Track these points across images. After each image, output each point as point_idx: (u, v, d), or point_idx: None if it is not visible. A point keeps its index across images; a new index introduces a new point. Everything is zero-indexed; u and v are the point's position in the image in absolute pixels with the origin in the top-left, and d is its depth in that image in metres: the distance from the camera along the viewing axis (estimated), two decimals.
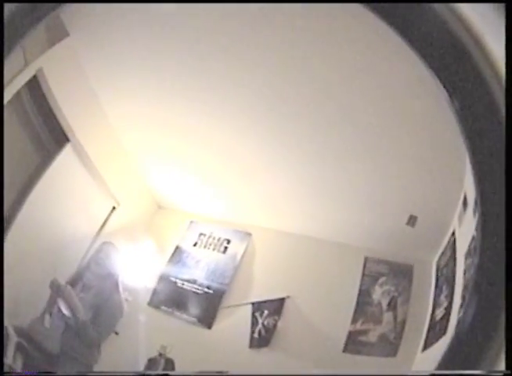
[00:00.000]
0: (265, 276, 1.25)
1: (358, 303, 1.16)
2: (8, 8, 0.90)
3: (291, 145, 1.20)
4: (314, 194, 1.23)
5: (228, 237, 1.27)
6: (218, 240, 1.27)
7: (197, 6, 1.10)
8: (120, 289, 1.21)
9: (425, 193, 1.16)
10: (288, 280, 1.22)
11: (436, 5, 0.81)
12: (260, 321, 1.21)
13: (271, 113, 1.18)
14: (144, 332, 1.22)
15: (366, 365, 1.16)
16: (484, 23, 0.78)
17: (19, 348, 1.11)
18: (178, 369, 1.17)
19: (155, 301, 1.24)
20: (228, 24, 1.11)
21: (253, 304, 1.23)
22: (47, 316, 1.19)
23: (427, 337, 1.08)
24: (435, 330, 1.05)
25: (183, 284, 1.25)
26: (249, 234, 1.26)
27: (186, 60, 1.18)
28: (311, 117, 1.16)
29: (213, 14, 1.10)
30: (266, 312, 1.21)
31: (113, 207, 1.30)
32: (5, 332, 1.08)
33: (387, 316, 1.16)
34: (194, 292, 1.24)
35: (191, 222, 1.29)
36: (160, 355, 1.18)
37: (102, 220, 1.28)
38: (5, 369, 1.03)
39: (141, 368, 1.18)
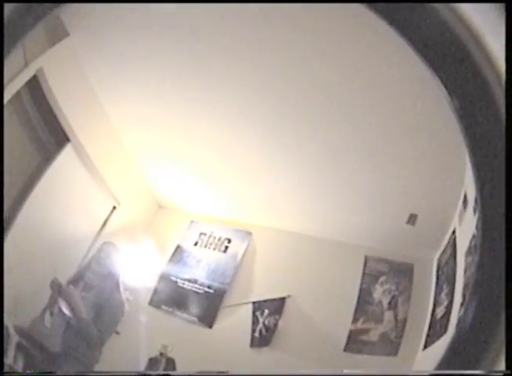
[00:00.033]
0: (265, 276, 1.25)
1: (358, 302, 1.16)
2: (7, 7, 0.90)
3: (291, 144, 1.20)
4: (314, 194, 1.23)
5: (228, 237, 1.27)
6: (219, 239, 1.27)
7: (197, 6, 1.10)
8: (121, 289, 1.21)
9: (425, 192, 1.16)
10: (289, 280, 1.23)
11: (436, 5, 0.81)
12: (261, 320, 1.21)
13: (271, 113, 1.18)
14: (145, 332, 1.22)
15: (367, 364, 1.16)
16: (485, 23, 0.78)
17: (19, 348, 1.11)
18: (179, 368, 1.17)
19: (156, 301, 1.24)
20: (228, 24, 1.11)
21: (254, 303, 1.23)
22: (47, 316, 1.19)
23: (427, 335, 1.08)
24: (436, 329, 1.05)
25: (184, 284, 1.25)
26: (249, 233, 1.26)
27: (186, 60, 1.18)
28: (312, 117, 1.16)
29: (213, 14, 1.10)
30: (267, 311, 1.21)
31: (114, 207, 1.30)
32: (5, 332, 1.08)
33: (388, 315, 1.16)
34: (195, 292, 1.24)
35: (192, 221, 1.29)
36: (161, 354, 1.18)
37: (103, 220, 1.28)
38: (6, 369, 1.03)
39: (142, 368, 1.18)
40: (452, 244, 1.08)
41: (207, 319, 1.23)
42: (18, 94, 1.16)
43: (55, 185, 1.25)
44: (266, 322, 1.21)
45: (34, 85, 1.19)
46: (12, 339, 1.10)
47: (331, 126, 1.16)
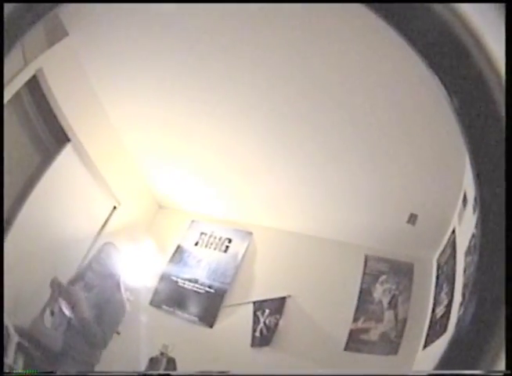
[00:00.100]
0: (266, 275, 1.25)
1: (359, 302, 1.16)
2: (7, 7, 0.90)
3: (292, 144, 1.20)
4: (314, 193, 1.23)
5: (229, 236, 1.27)
6: (220, 239, 1.27)
7: (197, 6, 1.10)
8: (122, 289, 1.21)
9: (425, 192, 1.16)
10: (289, 279, 1.23)
11: (436, 5, 0.81)
12: (261, 320, 1.21)
13: (271, 113, 1.18)
14: (146, 331, 1.22)
15: (367, 363, 1.16)
16: (485, 23, 0.78)
17: (19, 347, 1.11)
18: (180, 368, 1.17)
19: (156, 301, 1.24)
20: (228, 24, 1.11)
21: (254, 303, 1.23)
22: (47, 315, 1.19)
23: (427, 335, 1.08)
24: (436, 329, 1.05)
25: (184, 284, 1.25)
26: (250, 233, 1.26)
27: (186, 60, 1.18)
28: (312, 117, 1.16)
29: (213, 14, 1.10)
30: (267, 311, 1.22)
31: (114, 207, 1.30)
32: (5, 332, 1.08)
33: (388, 315, 1.16)
34: (195, 291, 1.24)
35: (192, 221, 1.29)
36: (162, 354, 1.18)
37: (103, 220, 1.28)
38: (6, 369, 1.03)
39: (143, 367, 1.18)
40: (452, 243, 1.08)
41: (208, 318, 1.23)
42: (18, 94, 1.16)
43: (56, 185, 1.25)
44: (267, 321, 1.21)
45: (34, 85, 1.19)
46: (12, 339, 1.10)
47: (331, 126, 1.16)
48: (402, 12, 0.83)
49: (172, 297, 1.24)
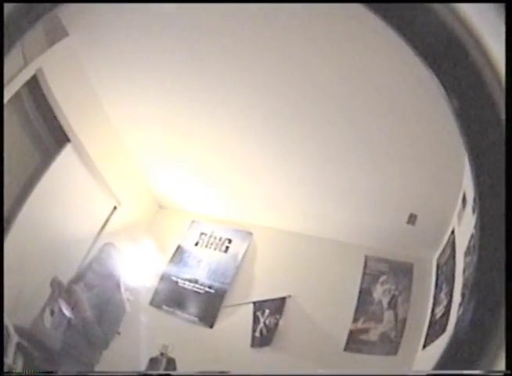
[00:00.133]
0: (266, 276, 1.25)
1: (359, 302, 1.16)
2: (7, 7, 0.90)
3: (292, 144, 1.20)
4: (314, 193, 1.23)
5: (229, 237, 1.27)
6: (220, 239, 1.27)
7: (197, 6, 1.10)
8: (122, 289, 1.21)
9: (425, 192, 1.16)
10: (289, 280, 1.23)
11: (436, 5, 0.81)
12: (261, 320, 1.21)
13: (271, 113, 1.18)
14: (145, 332, 1.22)
15: (367, 364, 1.16)
16: (484, 23, 0.79)
17: (19, 347, 1.11)
18: (180, 368, 1.17)
19: (156, 301, 1.24)
20: (228, 24, 1.11)
21: (254, 303, 1.23)
22: (47, 315, 1.19)
23: (427, 335, 1.08)
24: (435, 329, 1.05)
25: (184, 284, 1.25)
26: (250, 234, 1.26)
27: (186, 60, 1.18)
28: (312, 117, 1.16)
29: (213, 14, 1.10)
30: (267, 311, 1.21)
31: (115, 207, 1.30)
32: (5, 332, 1.08)
33: (388, 315, 1.16)
34: (195, 292, 1.24)
35: (192, 221, 1.29)
36: (162, 354, 1.18)
37: (104, 220, 1.28)
38: (6, 369, 1.03)
39: (142, 368, 1.18)
40: (452, 243, 1.08)
41: (208, 319, 1.23)
42: (18, 94, 1.16)
43: (56, 185, 1.25)
44: (267, 322, 1.21)
45: (34, 85, 1.19)
46: (12, 339, 1.10)
47: (331, 126, 1.16)
48: (402, 12, 0.83)
49: (172, 297, 1.24)
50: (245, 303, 1.23)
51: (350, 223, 1.23)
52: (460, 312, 0.90)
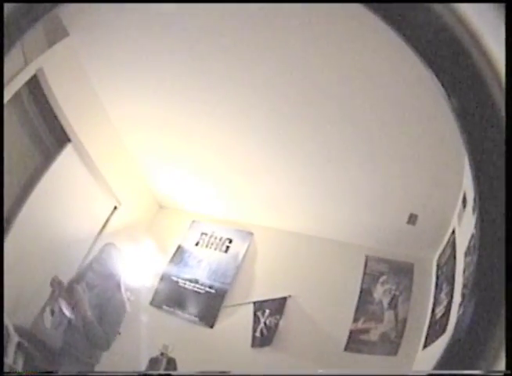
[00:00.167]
0: (266, 276, 1.25)
1: (359, 302, 1.16)
2: (7, 7, 0.90)
3: (292, 145, 1.20)
4: (315, 193, 1.23)
5: (230, 237, 1.27)
6: (220, 239, 1.27)
7: (197, 6, 1.10)
8: (123, 289, 1.22)
9: (425, 192, 1.16)
10: (290, 280, 1.23)
11: (436, 5, 0.81)
12: (262, 320, 1.21)
13: (271, 113, 1.18)
14: (146, 332, 1.22)
15: (367, 364, 1.16)
16: (484, 23, 0.78)
17: (19, 347, 1.11)
18: (180, 368, 1.17)
19: (157, 301, 1.24)
20: (228, 24, 1.11)
21: (254, 303, 1.23)
22: (47, 315, 1.19)
23: (427, 335, 1.08)
24: (435, 329, 1.05)
25: (185, 284, 1.25)
26: (251, 233, 1.26)
27: (186, 60, 1.18)
28: (312, 117, 1.16)
29: (213, 14, 1.10)
30: (268, 311, 1.21)
31: (115, 207, 1.30)
32: (5, 332, 1.08)
33: (388, 315, 1.16)
34: (196, 292, 1.24)
35: (193, 221, 1.29)
36: (162, 354, 1.18)
37: (104, 220, 1.28)
38: (6, 369, 1.03)
39: (143, 368, 1.18)
40: (452, 243, 1.08)
41: (208, 319, 1.23)
42: (18, 94, 1.16)
43: (56, 185, 1.25)
44: (267, 322, 1.21)
45: (34, 85, 1.19)
46: (12, 339, 1.10)
47: (331, 126, 1.16)
48: (402, 12, 0.83)
49: (173, 297, 1.24)
50: (245, 303, 1.23)
51: (350, 223, 1.23)
52: (460, 313, 0.90)
